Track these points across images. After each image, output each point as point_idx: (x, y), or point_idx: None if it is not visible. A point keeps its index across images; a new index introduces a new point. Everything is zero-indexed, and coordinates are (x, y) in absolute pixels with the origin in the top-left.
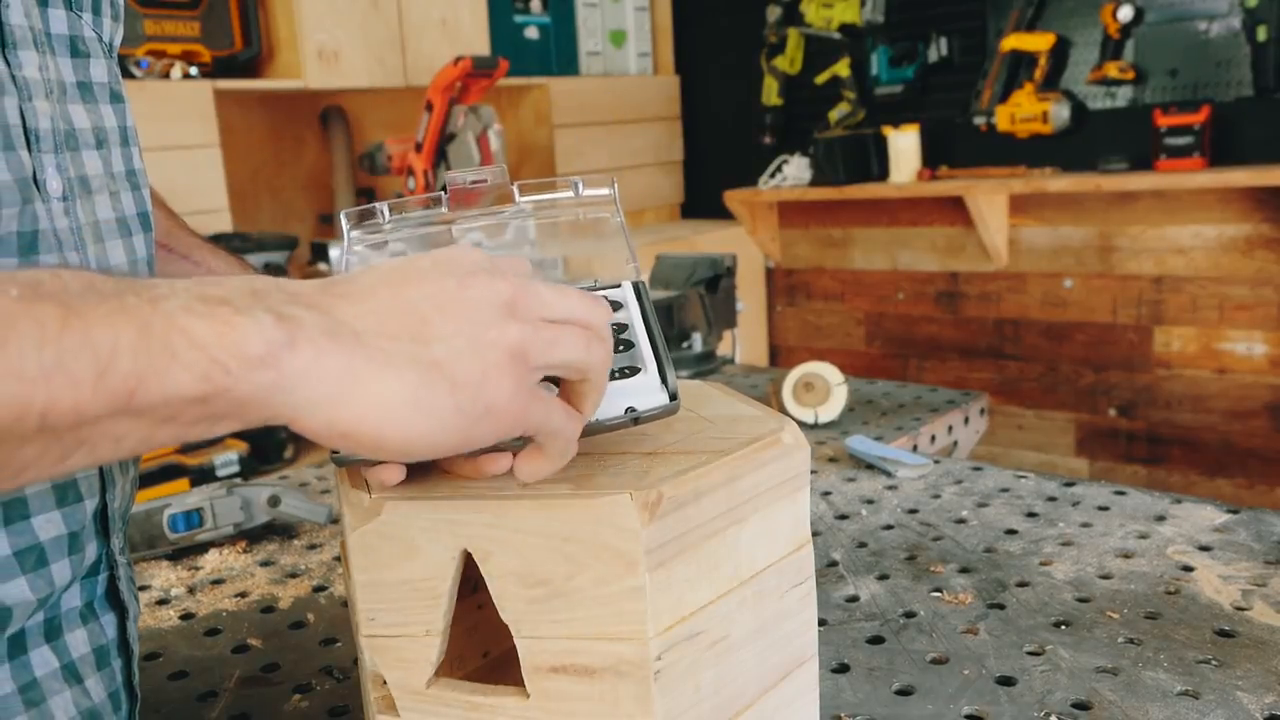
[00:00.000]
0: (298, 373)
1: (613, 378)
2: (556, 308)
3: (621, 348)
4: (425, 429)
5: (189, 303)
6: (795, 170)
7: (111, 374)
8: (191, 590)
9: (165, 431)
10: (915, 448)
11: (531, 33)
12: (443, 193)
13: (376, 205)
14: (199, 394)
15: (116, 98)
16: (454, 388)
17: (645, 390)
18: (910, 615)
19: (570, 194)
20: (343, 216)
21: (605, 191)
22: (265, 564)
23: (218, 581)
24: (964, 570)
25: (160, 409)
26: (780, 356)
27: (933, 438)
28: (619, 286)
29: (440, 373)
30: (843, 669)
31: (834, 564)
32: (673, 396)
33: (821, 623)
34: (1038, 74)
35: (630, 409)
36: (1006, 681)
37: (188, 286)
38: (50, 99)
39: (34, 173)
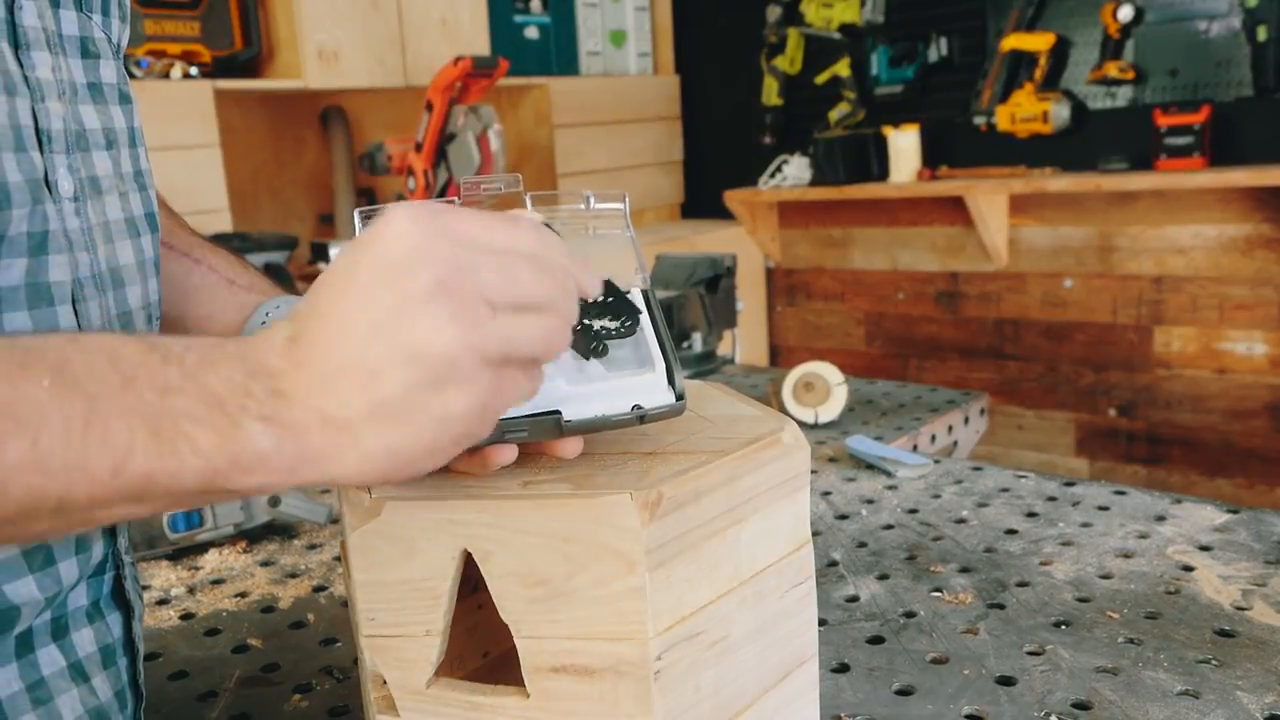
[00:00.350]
0: (287, 469)
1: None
2: (491, 239)
3: (630, 348)
4: (413, 454)
5: (193, 405)
6: (795, 170)
7: (126, 471)
8: (191, 590)
9: (170, 509)
10: (915, 448)
11: (531, 33)
12: (455, 198)
13: (391, 206)
14: (200, 489)
15: (125, 98)
16: (412, 413)
17: (653, 389)
18: (910, 615)
19: (581, 206)
20: (356, 214)
21: (616, 206)
22: (265, 564)
23: (218, 581)
24: (964, 570)
25: (165, 499)
26: (780, 356)
27: (933, 438)
28: (629, 293)
29: (394, 409)
30: (843, 669)
31: (834, 564)
32: (679, 397)
33: (821, 623)
34: (1038, 74)
35: (637, 406)
36: (1006, 681)
37: (191, 375)
38: (62, 100)
39: (46, 173)
